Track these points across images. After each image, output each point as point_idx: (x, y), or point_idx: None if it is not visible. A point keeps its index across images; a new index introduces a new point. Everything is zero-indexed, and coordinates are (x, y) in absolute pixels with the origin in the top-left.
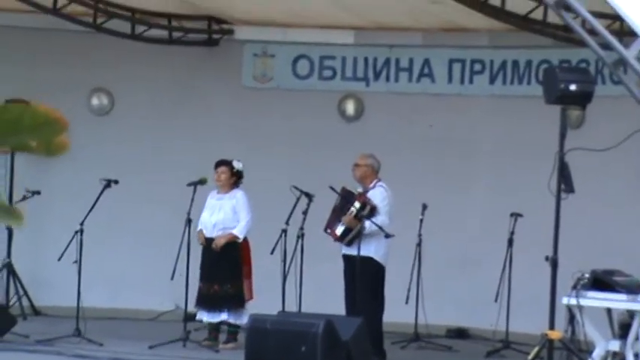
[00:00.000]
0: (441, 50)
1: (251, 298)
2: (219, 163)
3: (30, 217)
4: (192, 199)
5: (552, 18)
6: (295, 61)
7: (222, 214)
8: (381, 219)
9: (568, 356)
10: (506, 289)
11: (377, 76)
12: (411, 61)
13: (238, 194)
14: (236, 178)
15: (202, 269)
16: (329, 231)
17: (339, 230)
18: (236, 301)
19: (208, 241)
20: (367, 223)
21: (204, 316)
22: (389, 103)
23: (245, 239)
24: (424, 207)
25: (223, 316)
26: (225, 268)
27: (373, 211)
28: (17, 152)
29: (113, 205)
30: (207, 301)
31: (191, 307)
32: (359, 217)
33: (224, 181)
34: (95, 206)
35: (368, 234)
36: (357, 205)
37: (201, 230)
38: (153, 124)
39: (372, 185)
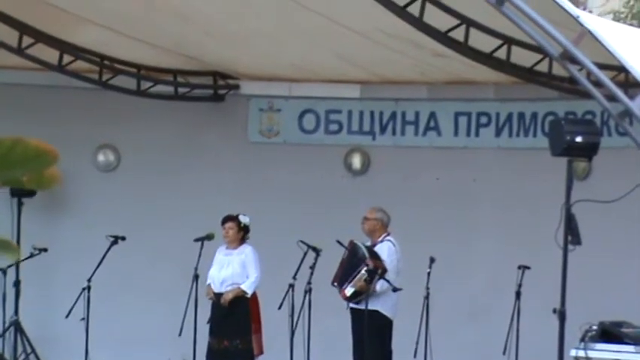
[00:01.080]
0: (446, 103)
1: (261, 352)
2: (226, 219)
3: (37, 274)
4: (200, 255)
5: (557, 70)
6: (301, 115)
7: (231, 270)
8: (388, 276)
9: None
10: (514, 341)
11: (383, 129)
12: (416, 114)
13: (247, 250)
14: (244, 233)
15: (212, 325)
16: (336, 284)
17: (349, 292)
18: (245, 356)
19: (217, 296)
20: (378, 285)
21: None
22: (395, 157)
23: (254, 294)
24: (432, 260)
25: None
26: (233, 323)
27: (385, 272)
28: (9, 186)
29: (120, 262)
30: (217, 357)
31: None
32: (370, 282)
33: (232, 237)
34: (102, 263)
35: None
36: (369, 269)
37: (209, 285)
38: (159, 180)
39: (380, 239)
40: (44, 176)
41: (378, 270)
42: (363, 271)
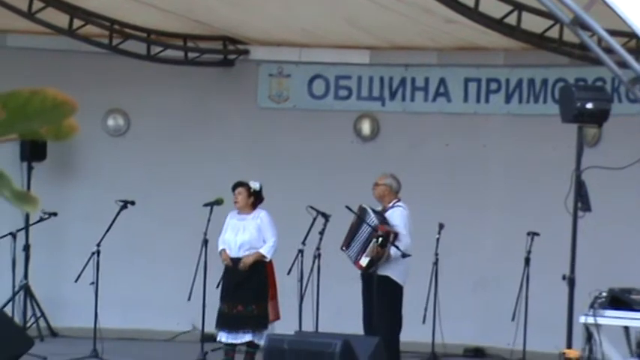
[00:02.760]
0: (456, 69)
1: (277, 318)
2: (237, 185)
3: (47, 238)
4: (209, 220)
5: (568, 36)
6: (311, 81)
7: (248, 235)
8: (405, 240)
9: None
10: (523, 307)
11: (393, 95)
12: (426, 80)
13: (262, 214)
14: (254, 199)
15: (224, 290)
16: (344, 248)
17: (364, 262)
18: (260, 322)
19: (233, 261)
20: (392, 250)
21: (224, 337)
22: (405, 123)
23: (270, 260)
24: (441, 226)
25: (247, 337)
26: (250, 289)
27: (396, 237)
28: (26, 138)
29: (130, 226)
30: (228, 322)
31: (208, 328)
32: (384, 246)
33: (241, 202)
34: (112, 227)
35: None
36: (380, 235)
37: (224, 250)
38: (169, 145)
39: (390, 205)
40: (62, 127)
41: (389, 235)
42: (374, 240)
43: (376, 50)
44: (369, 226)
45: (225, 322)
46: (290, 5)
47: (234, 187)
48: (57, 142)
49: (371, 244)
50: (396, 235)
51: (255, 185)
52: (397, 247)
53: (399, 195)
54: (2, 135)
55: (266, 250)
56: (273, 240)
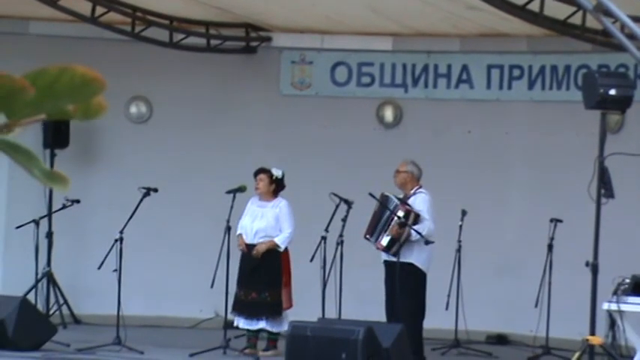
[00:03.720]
0: (479, 56)
1: (290, 306)
2: (259, 171)
3: (70, 225)
4: (232, 207)
5: (591, 23)
6: (333, 68)
7: (265, 222)
8: (427, 226)
9: None
10: (546, 294)
11: (415, 82)
12: (449, 67)
13: (282, 204)
14: (275, 186)
15: (240, 275)
16: (369, 237)
17: (385, 241)
18: (274, 309)
19: (248, 248)
20: (413, 233)
21: (241, 323)
22: (427, 110)
23: (285, 248)
24: (463, 213)
25: (261, 324)
26: (264, 276)
27: (417, 218)
28: (55, 118)
29: (152, 214)
30: (244, 308)
31: (231, 315)
32: (403, 226)
33: (263, 189)
34: (134, 215)
35: (414, 241)
36: (400, 214)
37: (240, 235)
38: (191, 132)
39: (412, 192)
40: (91, 106)
41: (410, 213)
42: (395, 218)
43: (399, 37)
44: (392, 212)
45: (241, 307)
46: None
47: (257, 173)
48: (85, 121)
49: (392, 223)
50: (417, 216)
51: (277, 172)
52: (417, 231)
53: (420, 182)
54: (32, 114)
55: (280, 240)
56: (289, 231)
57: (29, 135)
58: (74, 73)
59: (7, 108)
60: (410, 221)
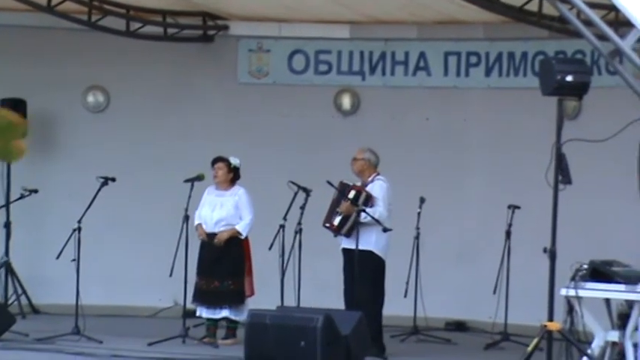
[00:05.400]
0: (436, 43)
1: (252, 294)
2: (216, 160)
3: (27, 215)
4: (190, 196)
5: (548, 9)
6: (291, 56)
7: (225, 211)
8: (379, 210)
9: (567, 347)
10: (504, 281)
11: (373, 70)
12: (406, 54)
13: (240, 191)
14: (233, 175)
15: (200, 265)
16: (327, 225)
17: (337, 220)
18: (237, 297)
19: (209, 237)
20: (363, 216)
21: (204, 312)
22: (385, 97)
23: (246, 237)
24: (422, 200)
25: (224, 313)
26: (226, 264)
27: (369, 199)
28: None
29: (110, 203)
30: (206, 298)
31: (190, 304)
32: (354, 205)
33: (221, 177)
34: (93, 204)
35: (365, 223)
36: (351, 194)
37: (200, 224)
38: (149, 121)
39: (370, 179)
40: (11, 148)
41: (360, 192)
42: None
43: (356, 25)
44: (344, 195)
45: (203, 297)
46: None
47: (214, 162)
48: (4, 161)
49: (342, 202)
50: (368, 197)
51: (235, 161)
52: (367, 212)
53: (377, 169)
54: None
55: (242, 227)
56: (250, 218)
57: None
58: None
59: None
60: (360, 201)
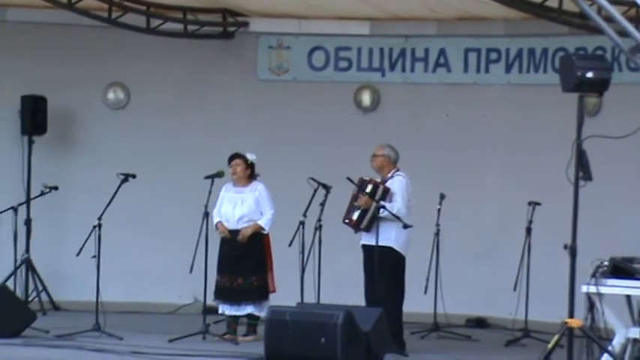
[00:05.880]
0: (456, 40)
1: (274, 290)
2: (233, 157)
3: (48, 212)
4: (210, 192)
5: (568, 6)
6: (311, 52)
7: (247, 207)
8: (397, 206)
9: (588, 344)
10: (524, 277)
11: (392, 66)
12: (426, 51)
13: (259, 187)
14: (251, 171)
15: (221, 262)
16: (347, 221)
17: (355, 215)
18: (261, 293)
19: (231, 234)
20: (381, 211)
21: (226, 310)
22: (405, 94)
23: (267, 232)
24: (442, 197)
25: (248, 309)
26: (250, 260)
27: (386, 193)
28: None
29: (130, 200)
30: (228, 295)
31: (210, 300)
32: (372, 199)
33: (240, 174)
34: (113, 201)
35: (385, 219)
36: (368, 188)
37: (220, 222)
38: (168, 118)
39: (390, 175)
40: None
41: (378, 186)
42: (364, 191)
43: (376, 21)
44: (362, 189)
45: (226, 294)
46: None
47: (231, 158)
48: None
49: (360, 196)
50: (385, 190)
51: (252, 157)
52: (384, 207)
53: (397, 165)
54: None
55: (264, 222)
56: (271, 212)
57: (8, 122)
58: None
59: None
60: (377, 196)
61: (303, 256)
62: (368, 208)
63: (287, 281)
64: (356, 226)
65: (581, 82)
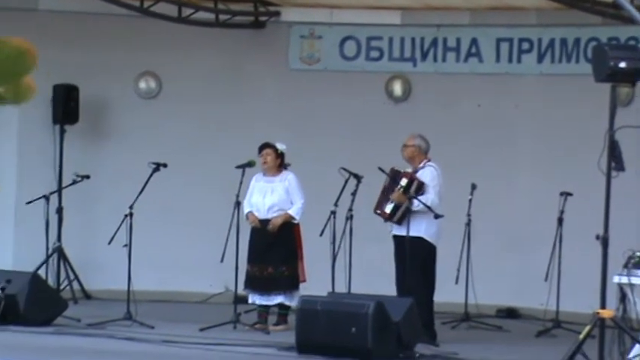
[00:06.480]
0: (488, 29)
1: (304, 280)
2: (264, 146)
3: (80, 201)
4: (241, 182)
5: None
6: (342, 42)
7: (277, 196)
8: (430, 197)
9: (620, 335)
10: (556, 268)
11: (424, 56)
12: (458, 40)
13: (290, 176)
14: (281, 161)
15: (252, 252)
16: (379, 212)
17: (388, 208)
18: (291, 283)
19: (262, 223)
20: (415, 203)
21: (257, 299)
22: (436, 84)
23: (297, 222)
24: (473, 187)
25: (279, 299)
26: (280, 250)
27: (421, 187)
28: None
29: (162, 189)
30: (259, 284)
31: (241, 290)
32: (406, 194)
33: (270, 163)
34: (144, 190)
35: (417, 211)
36: (403, 182)
37: (251, 212)
38: (200, 107)
39: (421, 165)
40: (21, 87)
41: (413, 181)
42: (399, 186)
43: (408, 11)
44: (396, 181)
45: (257, 284)
46: None
47: (261, 148)
48: (16, 103)
49: (394, 191)
50: (420, 184)
51: (281, 147)
52: (419, 200)
53: (428, 155)
54: None
55: (295, 212)
56: (302, 202)
57: (39, 111)
58: (10, 43)
59: None
60: (412, 189)
61: (334, 245)
62: (402, 203)
63: (318, 271)
64: (388, 219)
65: (614, 72)
